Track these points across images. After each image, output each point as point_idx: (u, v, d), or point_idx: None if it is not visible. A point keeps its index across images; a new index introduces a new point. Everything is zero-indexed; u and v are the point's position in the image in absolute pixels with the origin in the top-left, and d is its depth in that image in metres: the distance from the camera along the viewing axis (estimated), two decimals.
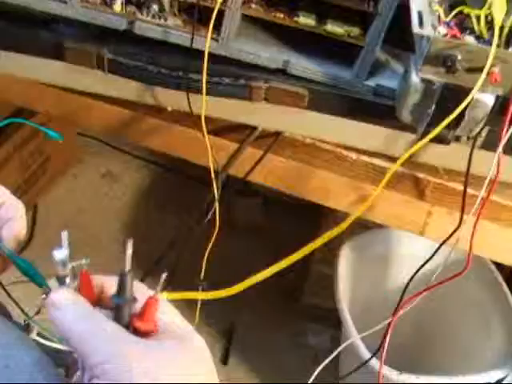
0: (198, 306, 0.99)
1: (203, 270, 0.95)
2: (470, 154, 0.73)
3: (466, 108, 0.67)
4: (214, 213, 0.88)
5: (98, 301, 0.47)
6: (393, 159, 0.84)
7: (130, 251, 0.43)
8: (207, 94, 0.79)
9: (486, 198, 0.72)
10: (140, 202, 2.11)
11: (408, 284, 0.94)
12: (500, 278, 1.30)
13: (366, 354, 1.17)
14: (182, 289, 0.61)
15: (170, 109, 0.90)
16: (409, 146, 0.81)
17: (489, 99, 0.69)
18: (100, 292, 0.47)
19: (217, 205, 0.84)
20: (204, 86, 0.78)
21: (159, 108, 0.90)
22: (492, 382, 1.14)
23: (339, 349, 0.99)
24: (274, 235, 2.00)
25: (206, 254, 0.92)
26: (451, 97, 0.68)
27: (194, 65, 0.79)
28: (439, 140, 0.74)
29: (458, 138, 0.76)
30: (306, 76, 0.79)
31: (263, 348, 1.73)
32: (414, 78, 0.70)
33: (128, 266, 0.43)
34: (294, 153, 0.87)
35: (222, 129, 0.88)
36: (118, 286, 0.44)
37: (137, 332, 0.43)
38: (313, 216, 1.95)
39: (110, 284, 0.47)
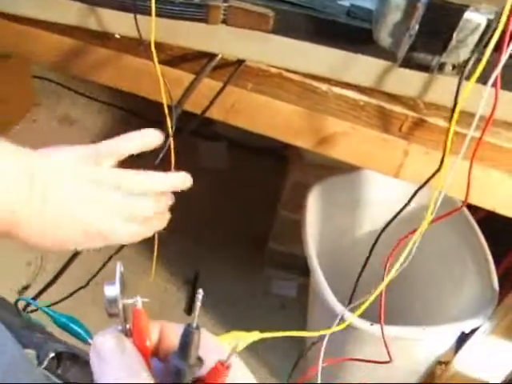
0: (155, 253, 0.90)
1: None
2: (459, 83, 0.64)
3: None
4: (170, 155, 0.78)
5: (155, 350, 0.39)
6: (368, 91, 0.76)
7: (198, 304, 0.36)
8: (157, 15, 0.69)
9: (480, 138, 0.64)
10: None
11: (383, 230, 0.87)
12: (475, 226, 1.25)
13: (338, 306, 1.10)
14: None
15: (118, 35, 0.80)
16: (387, 75, 0.72)
17: (481, 19, 0.60)
18: (159, 339, 0.39)
19: (172, 144, 0.74)
20: (153, 5, 0.68)
21: (106, 35, 0.80)
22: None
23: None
24: (237, 179, 1.95)
25: None
26: (438, 15, 0.59)
27: None
28: (421, 67, 0.65)
29: (441, 67, 0.67)
30: None
31: (228, 296, 1.69)
32: None
33: (195, 321, 0.36)
34: (257, 84, 0.78)
35: (175, 58, 0.78)
36: (180, 344, 0.35)
37: None
38: (279, 160, 1.90)
39: (172, 332, 0.39)
